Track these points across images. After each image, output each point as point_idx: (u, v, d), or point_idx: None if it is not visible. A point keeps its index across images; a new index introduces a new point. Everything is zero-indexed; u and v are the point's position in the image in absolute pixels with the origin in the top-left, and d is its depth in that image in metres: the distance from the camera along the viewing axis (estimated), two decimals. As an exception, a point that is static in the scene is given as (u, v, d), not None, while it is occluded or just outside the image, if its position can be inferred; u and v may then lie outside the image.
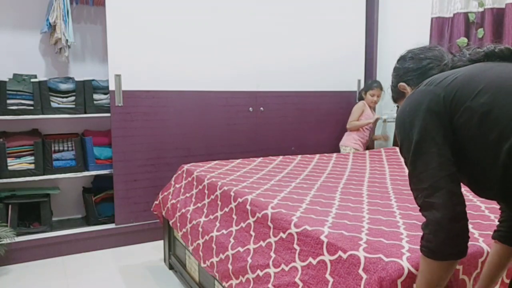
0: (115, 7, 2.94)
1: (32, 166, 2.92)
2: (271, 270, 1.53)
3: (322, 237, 1.39)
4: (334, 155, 3.16)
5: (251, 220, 1.79)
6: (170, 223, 2.55)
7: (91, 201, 3.16)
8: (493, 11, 2.97)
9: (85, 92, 3.05)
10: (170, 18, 3.13)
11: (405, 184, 2.19)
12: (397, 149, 3.34)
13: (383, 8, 4.00)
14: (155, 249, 3.09)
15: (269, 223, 1.66)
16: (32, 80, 2.92)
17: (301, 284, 1.38)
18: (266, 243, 1.63)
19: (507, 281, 1.30)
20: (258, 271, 1.59)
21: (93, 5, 3.29)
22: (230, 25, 3.36)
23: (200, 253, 2.07)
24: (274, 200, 1.85)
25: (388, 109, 3.88)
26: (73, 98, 3.03)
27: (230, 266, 1.77)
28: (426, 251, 1.00)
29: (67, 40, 2.97)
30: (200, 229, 2.12)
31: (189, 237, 2.24)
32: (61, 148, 3.06)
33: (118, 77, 2.99)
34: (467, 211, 0.98)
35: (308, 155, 3.13)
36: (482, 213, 1.64)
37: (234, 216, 1.94)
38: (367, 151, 3.38)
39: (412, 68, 1.24)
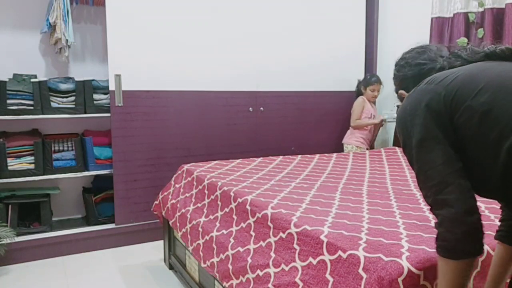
0: (115, 7, 2.95)
1: (32, 166, 2.92)
2: (271, 270, 1.53)
3: (322, 237, 1.39)
4: (334, 155, 3.16)
5: (251, 220, 1.79)
6: (170, 223, 2.55)
7: (91, 201, 3.17)
8: (493, 11, 2.97)
9: (85, 92, 3.05)
10: (170, 18, 3.13)
11: (405, 184, 2.19)
12: (397, 149, 3.35)
13: (383, 8, 4.01)
14: (155, 249, 3.09)
15: (269, 223, 1.66)
16: (32, 80, 2.92)
17: (301, 284, 1.38)
18: (266, 243, 1.63)
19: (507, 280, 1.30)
20: (258, 271, 1.59)
21: (93, 5, 3.29)
22: (230, 25, 3.36)
23: (200, 253, 2.07)
24: (274, 200, 1.85)
25: (388, 108, 3.88)
26: (73, 98, 3.03)
27: (230, 266, 1.76)
28: (442, 250, 0.97)
29: (67, 40, 2.98)
30: (200, 229, 2.12)
31: (189, 237, 2.23)
32: (61, 148, 3.06)
33: (118, 77, 2.99)
34: None
35: (308, 155, 3.13)
36: (482, 213, 1.63)
37: (234, 216, 1.94)
38: (367, 151, 3.38)
39: (407, 76, 1.24)
